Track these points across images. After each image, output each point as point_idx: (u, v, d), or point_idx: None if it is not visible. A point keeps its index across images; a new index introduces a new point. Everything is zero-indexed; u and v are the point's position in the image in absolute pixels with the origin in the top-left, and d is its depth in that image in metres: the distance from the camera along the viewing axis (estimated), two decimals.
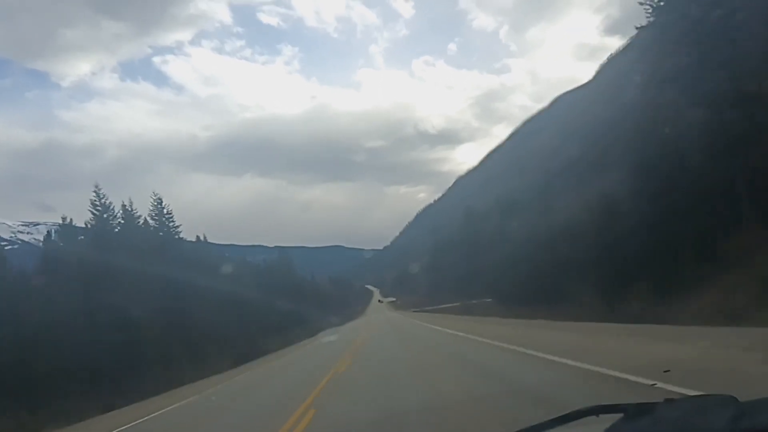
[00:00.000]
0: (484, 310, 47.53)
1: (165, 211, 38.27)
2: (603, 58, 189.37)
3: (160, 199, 38.21)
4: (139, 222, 35.86)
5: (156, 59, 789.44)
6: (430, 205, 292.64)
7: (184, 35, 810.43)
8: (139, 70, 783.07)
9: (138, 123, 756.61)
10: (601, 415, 1.49)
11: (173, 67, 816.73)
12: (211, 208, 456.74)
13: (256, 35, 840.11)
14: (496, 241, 59.01)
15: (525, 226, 50.50)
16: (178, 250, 37.40)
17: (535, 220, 47.71)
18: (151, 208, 38.50)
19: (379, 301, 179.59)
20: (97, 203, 31.78)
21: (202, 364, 27.65)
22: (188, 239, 50.08)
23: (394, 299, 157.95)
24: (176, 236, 38.88)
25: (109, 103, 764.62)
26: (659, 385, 6.41)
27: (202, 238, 50.44)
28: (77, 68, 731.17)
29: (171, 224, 38.02)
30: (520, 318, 30.79)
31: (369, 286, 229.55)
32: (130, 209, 34.84)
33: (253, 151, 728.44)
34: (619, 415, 1.36)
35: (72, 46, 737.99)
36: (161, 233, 37.97)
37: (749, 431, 1.08)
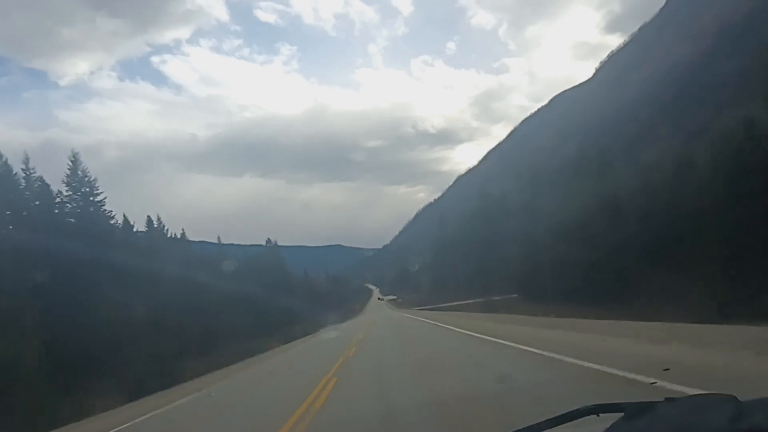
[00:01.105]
0: (511, 307, 36.18)
1: (83, 175, 26.82)
2: (602, 56, 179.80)
3: (75, 157, 26.80)
4: (35, 185, 24.25)
5: (154, 59, 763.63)
6: (429, 204, 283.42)
7: (182, 33, 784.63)
8: (138, 69, 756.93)
9: (137, 123, 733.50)
10: (601, 414, 1.39)
11: (172, 66, 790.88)
12: (210, 207, 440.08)
13: (254, 33, 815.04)
14: (518, 230, 47.74)
15: (561, 209, 39.17)
16: (97, 228, 25.86)
17: (577, 200, 36.39)
18: (68, 172, 27.10)
19: (379, 298, 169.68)
20: None
21: (82, 393, 16.17)
22: (139, 229, 38.67)
23: (395, 297, 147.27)
24: (101, 211, 27.34)
25: (109, 103, 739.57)
26: None
27: (155, 222, 38.65)
28: (76, 67, 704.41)
29: (87, 191, 26.50)
30: (575, 317, 18.88)
31: (368, 285, 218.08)
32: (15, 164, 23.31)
33: (252, 151, 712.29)
34: (620, 414, 1.27)
35: (70, 44, 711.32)
36: (77, 201, 26.55)
37: (748, 430, 1.04)
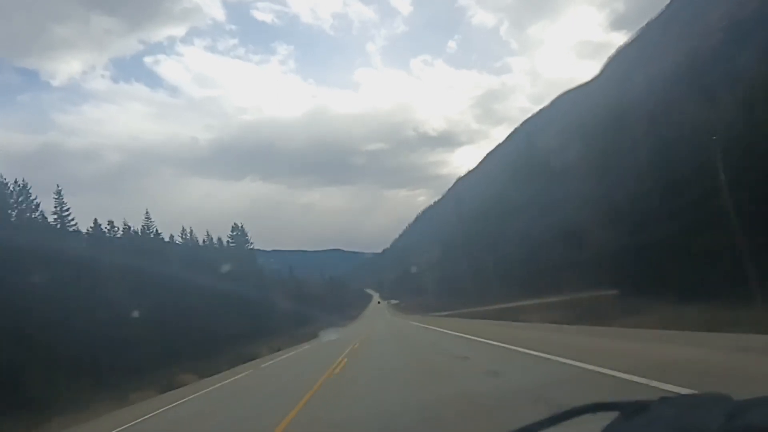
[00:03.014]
0: (615, 312, 19.18)
1: None
2: (606, 55, 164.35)
3: None
4: None
5: (148, 59, 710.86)
6: (429, 207, 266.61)
7: (177, 31, 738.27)
8: (132, 70, 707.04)
9: (134, 125, 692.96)
10: (597, 414, 1.35)
11: (166, 67, 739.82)
12: (211, 212, 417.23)
13: (250, 33, 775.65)
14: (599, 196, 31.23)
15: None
16: None
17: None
18: None
19: (378, 302, 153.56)
20: None
21: None
22: None
23: (397, 301, 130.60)
24: None
25: (103, 105, 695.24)
26: None
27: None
28: (69, 66, 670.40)
29: None
30: None
31: (368, 290, 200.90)
32: None
33: (252, 154, 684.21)
34: (615, 413, 1.26)
35: (62, 43, 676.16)
36: None
37: (743, 429, 1.03)
